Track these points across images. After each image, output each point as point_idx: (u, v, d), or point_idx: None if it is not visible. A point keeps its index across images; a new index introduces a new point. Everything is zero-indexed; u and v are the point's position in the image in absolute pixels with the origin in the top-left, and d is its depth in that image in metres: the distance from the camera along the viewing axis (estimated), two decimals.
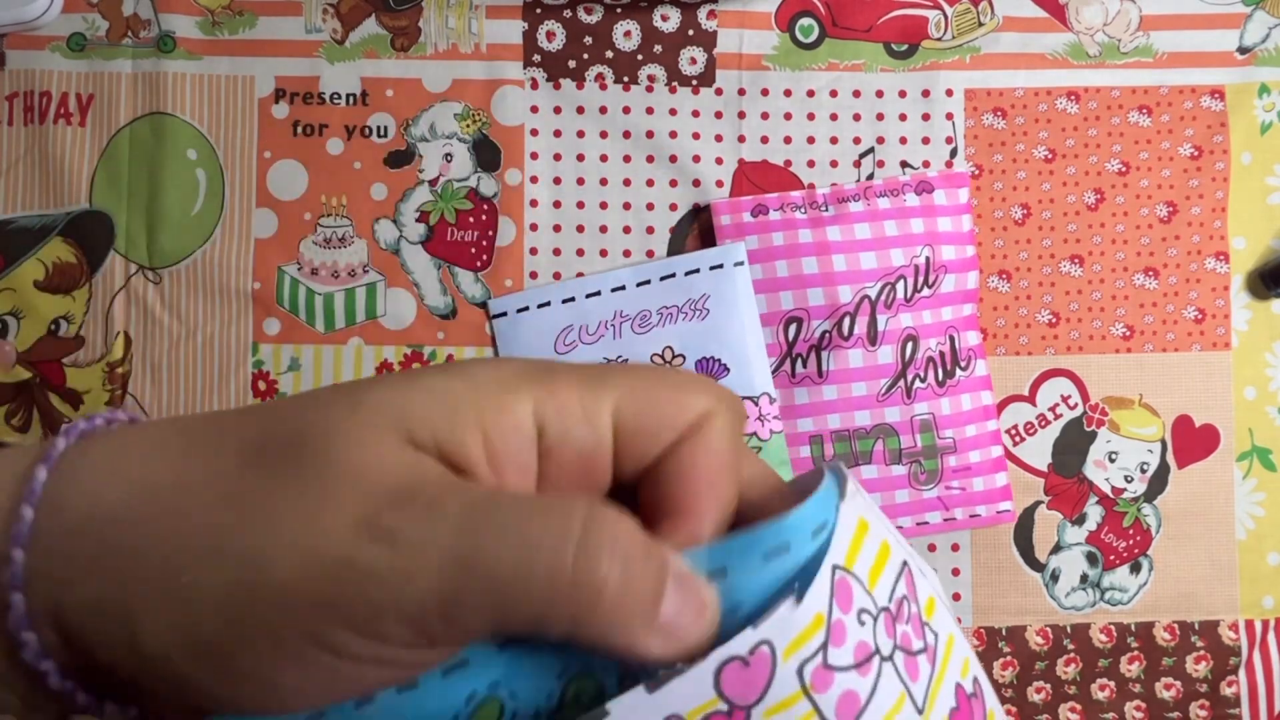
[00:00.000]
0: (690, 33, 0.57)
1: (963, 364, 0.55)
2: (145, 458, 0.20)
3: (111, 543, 0.19)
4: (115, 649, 0.19)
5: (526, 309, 0.55)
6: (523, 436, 0.20)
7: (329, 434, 0.19)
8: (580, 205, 0.56)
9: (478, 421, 0.19)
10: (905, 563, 0.22)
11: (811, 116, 0.56)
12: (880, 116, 0.56)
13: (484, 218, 0.56)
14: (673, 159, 0.56)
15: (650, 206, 0.56)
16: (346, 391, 0.20)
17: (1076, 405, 0.56)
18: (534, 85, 0.56)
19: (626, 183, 0.56)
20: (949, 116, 0.56)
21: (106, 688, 0.20)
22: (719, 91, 0.57)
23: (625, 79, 0.57)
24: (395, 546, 0.18)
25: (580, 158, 0.57)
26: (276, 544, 0.18)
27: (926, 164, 0.56)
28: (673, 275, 0.55)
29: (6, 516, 0.19)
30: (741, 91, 0.57)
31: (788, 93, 0.57)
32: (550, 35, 0.56)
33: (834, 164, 0.56)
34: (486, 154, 0.56)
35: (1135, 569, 0.55)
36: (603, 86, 0.57)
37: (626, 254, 0.56)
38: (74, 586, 0.19)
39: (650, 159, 0.57)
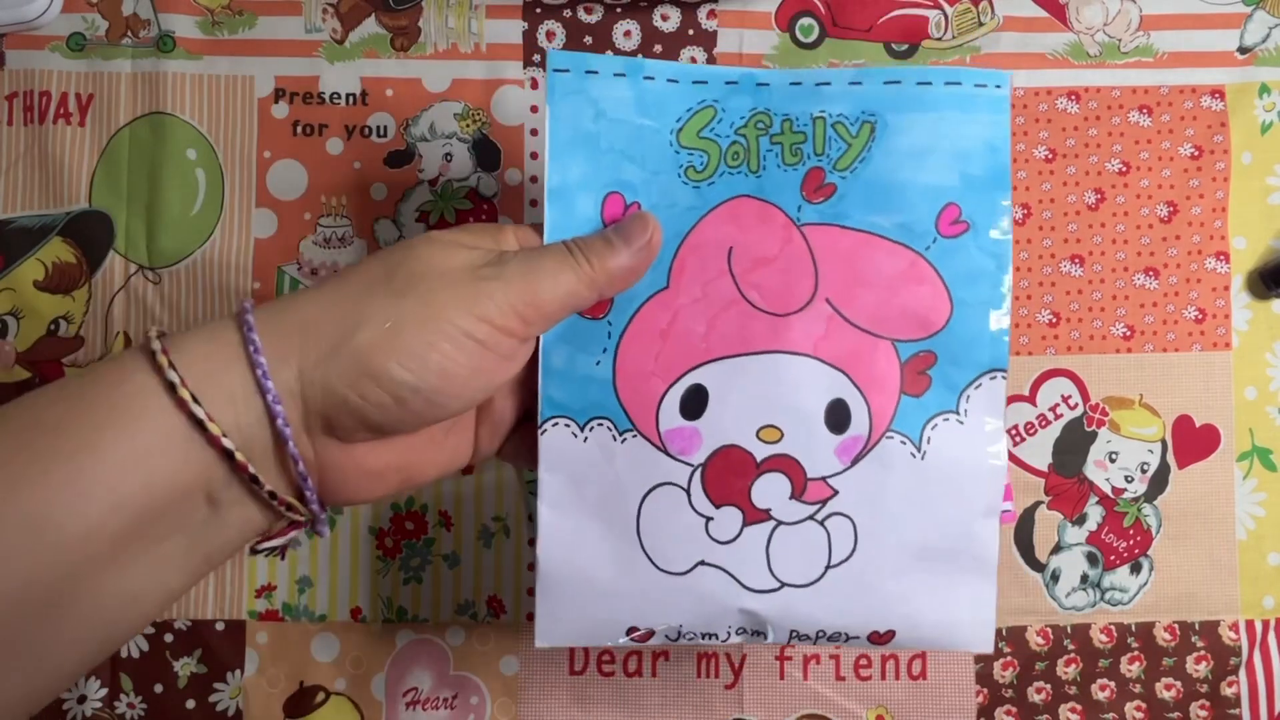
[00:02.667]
0: (690, 32, 0.57)
1: None
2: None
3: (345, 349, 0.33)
4: (349, 379, 0.33)
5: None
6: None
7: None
8: None
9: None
10: None
11: None
12: None
13: (484, 218, 0.56)
14: None
15: None
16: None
17: (1077, 405, 0.56)
18: (534, 85, 0.56)
19: None
20: None
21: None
22: None
23: None
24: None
25: None
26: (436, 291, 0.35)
27: None
28: None
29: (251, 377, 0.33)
30: None
31: None
32: (550, 35, 0.56)
33: None
34: (486, 154, 0.56)
35: (1135, 569, 0.55)
36: None
37: None
38: (321, 373, 0.33)
39: None
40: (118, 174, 0.56)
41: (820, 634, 0.41)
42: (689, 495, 0.39)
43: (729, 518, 0.39)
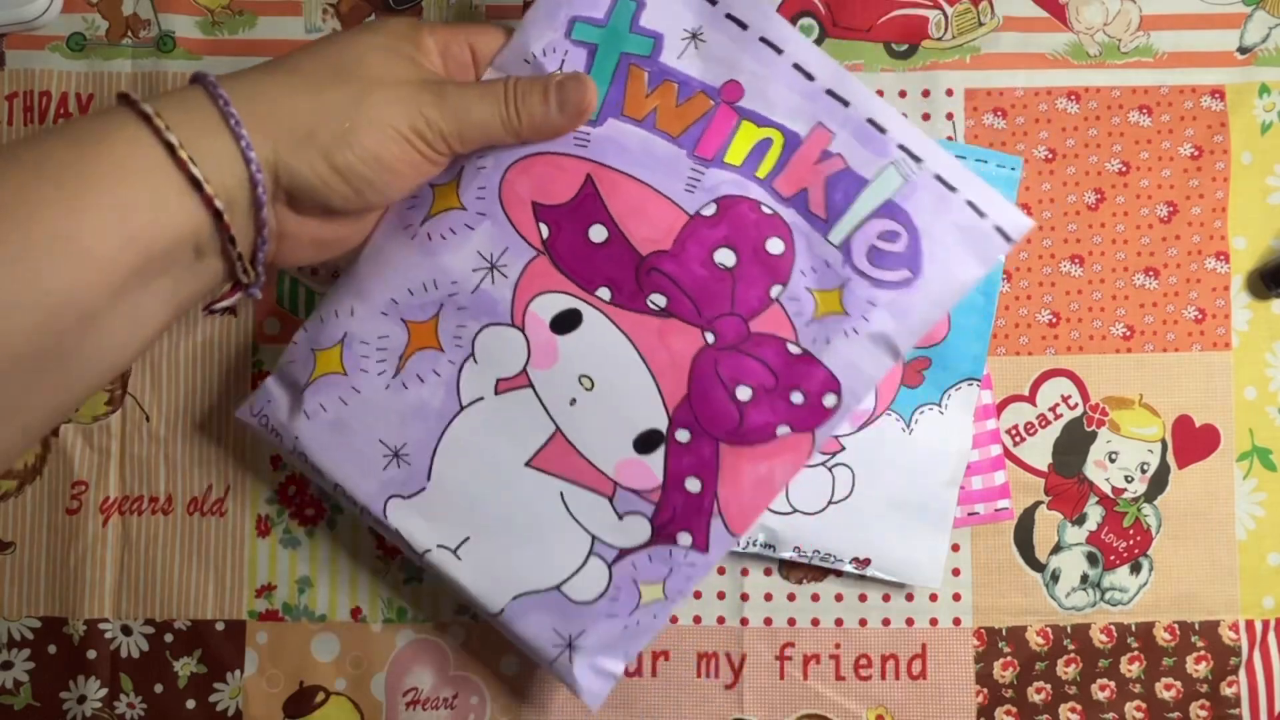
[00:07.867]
0: None
1: None
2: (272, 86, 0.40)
3: (297, 125, 0.38)
4: (316, 168, 0.39)
5: None
6: (465, 60, 0.45)
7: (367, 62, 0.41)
8: None
9: (442, 53, 0.44)
10: None
11: None
12: None
13: None
14: None
15: None
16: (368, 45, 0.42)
17: (1077, 405, 0.56)
18: None
19: None
20: (949, 116, 0.56)
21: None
22: None
23: None
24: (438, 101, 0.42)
25: None
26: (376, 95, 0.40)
27: None
28: None
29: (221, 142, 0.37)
30: None
31: None
32: None
33: None
34: None
35: (1135, 569, 0.55)
36: None
37: None
38: (292, 158, 0.38)
39: None
40: None
41: (816, 553, 0.53)
42: None
43: None
